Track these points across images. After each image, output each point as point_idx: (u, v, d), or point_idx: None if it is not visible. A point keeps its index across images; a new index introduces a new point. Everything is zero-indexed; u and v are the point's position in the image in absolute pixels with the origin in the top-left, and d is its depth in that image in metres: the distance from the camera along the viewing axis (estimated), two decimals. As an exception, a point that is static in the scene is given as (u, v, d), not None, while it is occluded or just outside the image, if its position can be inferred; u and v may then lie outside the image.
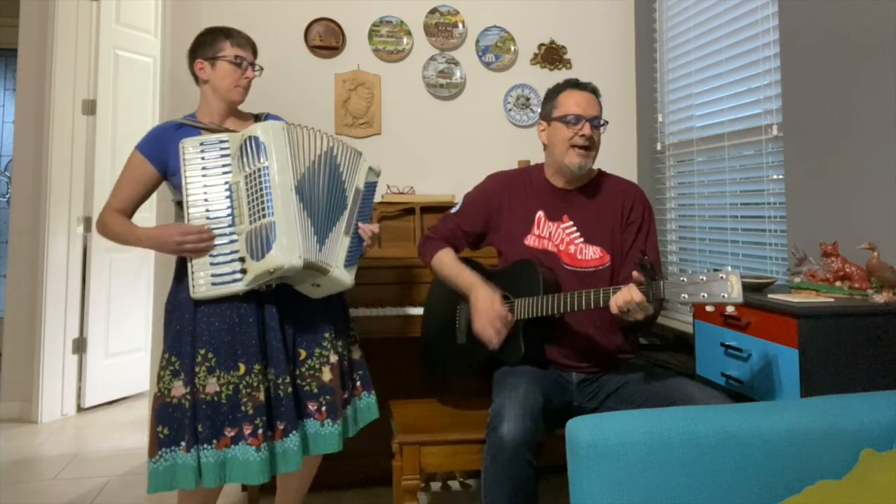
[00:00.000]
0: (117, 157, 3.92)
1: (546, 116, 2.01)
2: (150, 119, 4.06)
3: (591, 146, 1.93)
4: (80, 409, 3.76)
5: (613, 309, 1.63)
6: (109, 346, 3.89)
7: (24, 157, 3.65)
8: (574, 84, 1.99)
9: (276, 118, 2.06)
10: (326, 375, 1.86)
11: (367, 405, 2.02)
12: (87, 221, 3.80)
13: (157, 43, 4.00)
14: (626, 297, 1.60)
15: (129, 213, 1.91)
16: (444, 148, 3.25)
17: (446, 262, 2.03)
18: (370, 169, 2.00)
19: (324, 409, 1.84)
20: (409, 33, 3.24)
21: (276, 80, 3.13)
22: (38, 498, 2.58)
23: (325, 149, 1.88)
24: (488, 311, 1.82)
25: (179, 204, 1.89)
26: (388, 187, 3.07)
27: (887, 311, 1.62)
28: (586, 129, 1.91)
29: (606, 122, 1.98)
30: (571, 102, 1.94)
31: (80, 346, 3.76)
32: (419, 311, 2.36)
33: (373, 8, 3.22)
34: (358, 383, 2.01)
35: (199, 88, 1.99)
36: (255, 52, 2.00)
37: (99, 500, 2.56)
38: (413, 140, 3.23)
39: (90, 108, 3.81)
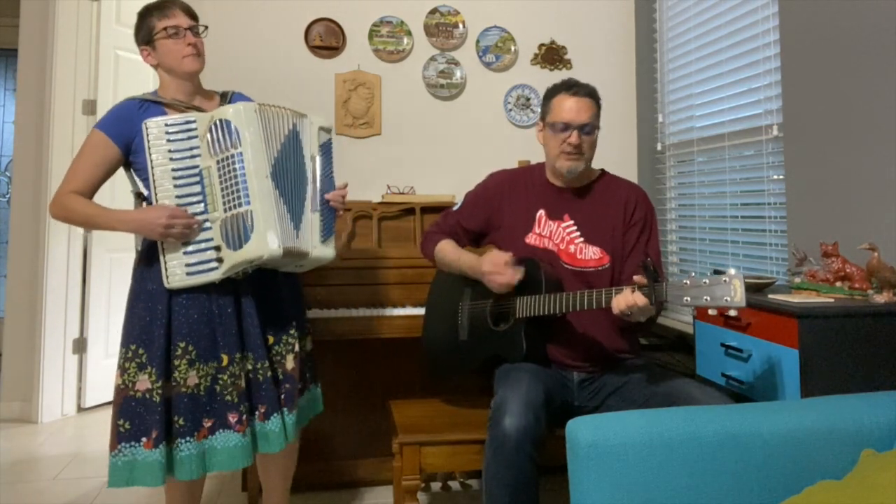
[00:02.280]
0: (117, 157, 3.92)
1: (543, 118, 2.02)
2: (150, 119, 4.05)
3: (579, 153, 1.93)
4: (80, 409, 3.76)
5: (615, 310, 1.63)
6: (110, 346, 3.88)
7: (24, 157, 3.65)
8: (568, 87, 1.96)
9: (243, 97, 2.00)
10: (290, 364, 1.86)
11: (316, 396, 2.03)
12: (88, 221, 3.80)
13: (158, 43, 3.99)
14: (630, 301, 1.60)
15: (89, 197, 1.80)
16: (444, 148, 3.25)
17: (448, 250, 2.05)
18: (320, 128, 1.91)
19: (282, 397, 1.83)
20: (409, 33, 3.24)
21: (276, 80, 3.13)
22: (38, 498, 2.58)
23: (290, 126, 1.83)
24: (494, 262, 1.85)
25: (139, 195, 1.83)
26: (388, 187, 3.07)
27: (887, 311, 1.62)
28: (573, 138, 1.90)
29: (598, 129, 1.97)
30: (563, 108, 1.93)
31: (80, 346, 3.76)
32: (420, 311, 2.36)
33: (373, 8, 3.22)
34: (307, 374, 2.00)
35: (158, 76, 1.90)
36: (191, 15, 1.87)
37: (99, 500, 2.56)
38: (413, 140, 3.23)
39: (90, 108, 3.80)
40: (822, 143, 2.13)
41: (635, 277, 1.60)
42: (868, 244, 1.72)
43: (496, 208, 2.05)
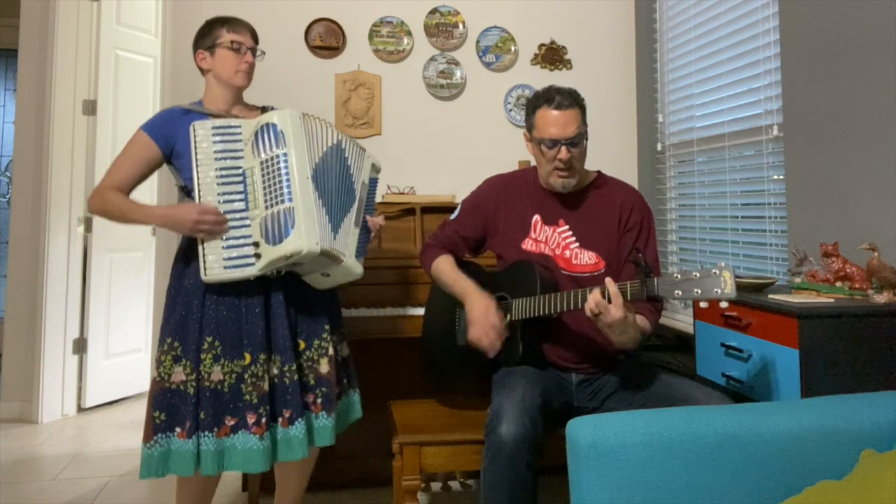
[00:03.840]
0: (118, 158, 3.92)
1: (528, 130, 1.96)
2: (150, 119, 4.06)
3: (570, 168, 1.89)
4: (80, 409, 3.76)
5: (586, 311, 1.62)
6: (110, 346, 3.89)
7: (24, 157, 3.65)
8: (549, 100, 1.88)
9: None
10: (324, 367, 1.88)
11: (353, 402, 2.04)
12: (88, 222, 3.80)
13: (158, 43, 4.00)
14: (596, 297, 1.59)
15: (126, 193, 1.89)
16: (444, 148, 3.25)
17: (444, 269, 2.03)
18: (373, 165, 2.03)
19: (319, 401, 1.85)
20: (409, 33, 3.24)
21: (276, 80, 3.13)
22: (38, 498, 2.58)
23: (335, 141, 1.90)
24: (483, 321, 1.82)
25: (183, 189, 1.90)
26: (389, 187, 3.07)
27: (887, 311, 1.61)
28: (563, 154, 1.86)
29: (586, 136, 1.91)
30: (547, 124, 1.87)
31: (80, 346, 3.76)
32: (420, 311, 2.36)
33: (373, 8, 3.22)
34: (345, 380, 2.02)
35: (204, 80, 2.00)
36: (255, 38, 2.00)
37: (99, 501, 2.56)
38: (413, 140, 3.23)
39: (91, 108, 3.81)
40: (822, 143, 2.13)
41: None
42: (868, 244, 1.72)
43: (492, 214, 2.05)
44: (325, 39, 3.18)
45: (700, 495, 1.23)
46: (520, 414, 1.62)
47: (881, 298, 1.65)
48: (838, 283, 1.81)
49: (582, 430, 1.26)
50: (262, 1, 3.15)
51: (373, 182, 2.03)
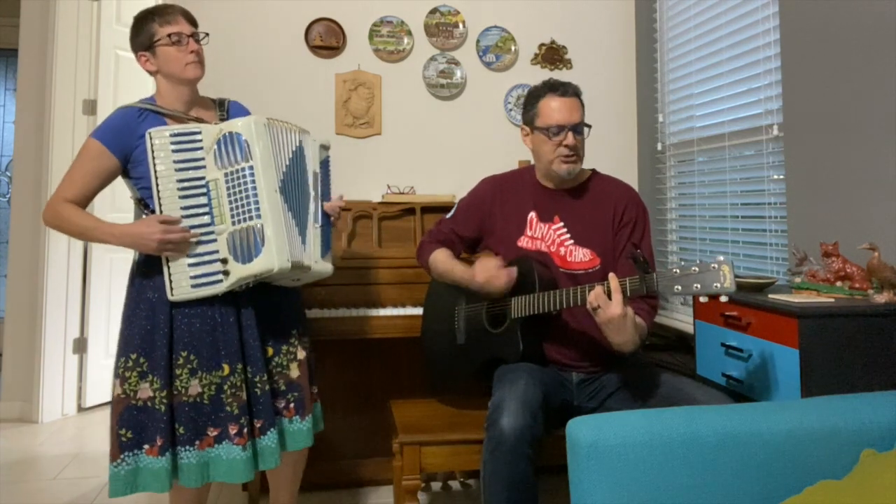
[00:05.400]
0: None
1: (529, 123, 1.97)
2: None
3: (576, 154, 1.91)
4: (80, 409, 3.76)
5: (588, 307, 1.63)
6: (110, 345, 3.88)
7: (24, 157, 3.66)
8: (553, 88, 1.92)
9: (240, 106, 2.00)
10: (294, 372, 1.86)
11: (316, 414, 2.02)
12: (88, 221, 3.80)
13: (158, 43, 3.99)
14: (597, 291, 1.59)
15: (84, 205, 1.78)
16: (444, 148, 3.25)
17: (441, 259, 2.04)
18: (321, 147, 1.94)
19: (292, 405, 1.84)
20: (409, 33, 3.24)
21: (276, 80, 3.14)
22: (38, 498, 2.58)
23: (297, 143, 1.84)
24: (487, 270, 1.83)
25: (140, 202, 1.81)
26: (389, 187, 3.07)
27: (888, 311, 1.61)
28: (569, 139, 1.88)
29: (590, 126, 1.95)
30: (552, 110, 1.89)
31: (80, 345, 3.76)
32: (419, 311, 2.36)
33: (373, 8, 3.22)
34: (315, 390, 2.00)
35: (155, 82, 1.87)
36: (192, 22, 1.85)
37: (99, 500, 2.56)
38: (413, 140, 3.23)
39: (91, 108, 3.81)
40: (822, 142, 2.13)
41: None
42: (868, 244, 1.72)
43: (488, 213, 2.05)
44: (326, 39, 3.18)
45: (700, 495, 1.23)
46: (521, 407, 1.62)
47: (881, 298, 1.65)
48: (838, 283, 1.81)
49: (582, 430, 1.26)
50: (262, 1, 3.15)
51: (324, 165, 1.94)
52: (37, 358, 3.59)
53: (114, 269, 3.91)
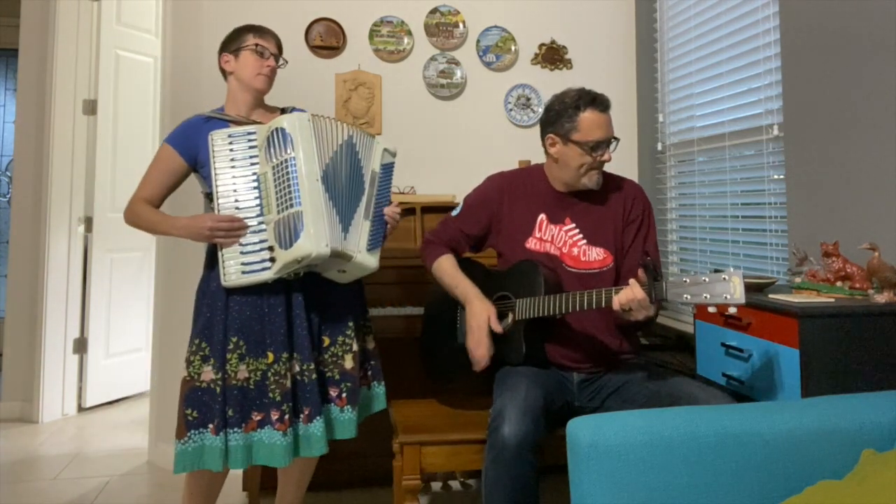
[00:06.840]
0: (118, 157, 3.92)
1: (563, 134, 1.91)
2: (150, 119, 4.06)
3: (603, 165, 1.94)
4: (80, 408, 3.76)
5: (616, 306, 1.64)
6: (110, 345, 3.89)
7: (24, 157, 3.66)
8: (593, 103, 1.89)
9: (302, 111, 2.07)
10: (348, 363, 1.93)
11: (376, 394, 2.07)
12: (88, 221, 3.80)
13: (158, 43, 4.00)
14: (630, 295, 1.61)
15: (157, 204, 1.96)
16: (444, 148, 3.25)
17: (446, 268, 2.03)
18: (385, 150, 2.03)
19: (344, 395, 1.91)
20: (409, 33, 3.24)
21: (276, 80, 3.12)
22: (38, 498, 2.58)
23: (346, 137, 1.92)
24: (480, 331, 1.84)
25: (208, 196, 1.95)
26: (389, 187, 3.06)
27: (888, 311, 1.61)
28: (607, 156, 1.90)
29: (618, 140, 1.94)
30: (595, 126, 1.87)
31: (80, 345, 3.76)
32: (419, 311, 2.36)
33: (373, 8, 3.22)
34: (369, 372, 2.07)
35: (227, 84, 2.06)
36: (279, 48, 2.07)
37: (99, 500, 2.56)
38: (414, 140, 3.23)
39: (91, 108, 3.81)
40: (822, 142, 2.13)
41: (639, 273, 1.61)
42: (868, 244, 1.72)
43: (496, 212, 2.05)
44: (326, 39, 3.18)
45: (700, 495, 1.23)
46: (522, 415, 1.62)
47: (881, 298, 1.65)
48: (839, 283, 1.81)
49: (582, 430, 1.26)
50: (262, 1, 3.15)
51: (386, 169, 2.02)
52: (37, 358, 3.59)
53: (114, 269, 3.91)
